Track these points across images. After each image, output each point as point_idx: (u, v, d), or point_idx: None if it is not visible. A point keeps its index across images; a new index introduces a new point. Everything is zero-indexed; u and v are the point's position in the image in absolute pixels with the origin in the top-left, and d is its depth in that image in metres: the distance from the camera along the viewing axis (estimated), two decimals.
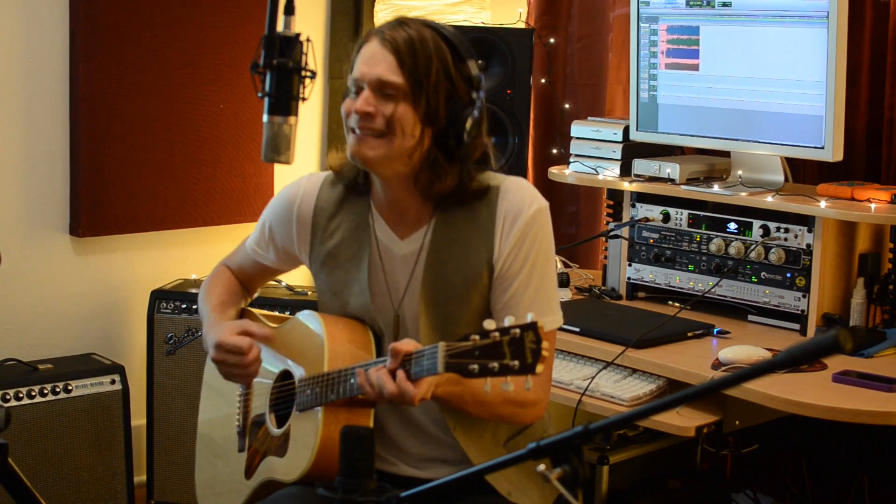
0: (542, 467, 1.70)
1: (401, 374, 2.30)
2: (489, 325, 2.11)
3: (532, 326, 2.08)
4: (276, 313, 2.94)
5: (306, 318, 2.64)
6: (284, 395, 2.62)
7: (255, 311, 2.89)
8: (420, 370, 2.27)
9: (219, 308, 2.76)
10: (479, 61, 2.54)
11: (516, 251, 2.51)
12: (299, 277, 4.48)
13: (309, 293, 4.22)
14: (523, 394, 2.46)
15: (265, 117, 2.11)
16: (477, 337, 2.12)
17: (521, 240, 2.51)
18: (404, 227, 2.58)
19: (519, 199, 2.53)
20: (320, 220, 2.64)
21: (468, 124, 2.47)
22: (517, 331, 2.09)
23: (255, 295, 2.95)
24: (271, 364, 2.70)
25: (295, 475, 2.49)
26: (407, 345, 2.32)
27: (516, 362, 2.08)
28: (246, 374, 2.58)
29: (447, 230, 2.54)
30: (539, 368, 2.08)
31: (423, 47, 2.44)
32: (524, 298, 2.52)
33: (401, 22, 2.50)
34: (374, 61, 2.44)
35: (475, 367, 2.11)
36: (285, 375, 2.64)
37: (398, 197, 2.54)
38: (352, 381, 2.41)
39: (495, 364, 2.09)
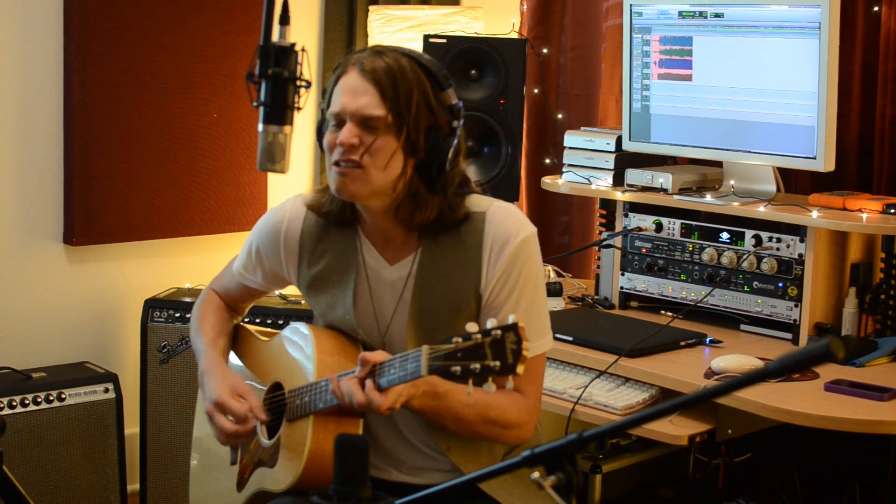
0: (536, 475, 1.71)
1: (369, 383, 2.31)
2: (471, 327, 2.12)
3: (513, 327, 2.09)
4: (269, 329, 2.94)
5: (296, 329, 2.65)
6: (275, 406, 2.62)
7: (248, 326, 2.90)
8: (393, 379, 2.28)
9: (212, 344, 2.75)
10: (455, 88, 2.52)
11: (503, 281, 2.51)
12: (293, 287, 4.50)
13: (303, 302, 4.23)
14: (505, 415, 2.48)
15: (260, 127, 2.11)
16: (459, 339, 2.13)
17: (509, 269, 2.51)
18: (392, 253, 2.57)
19: (506, 228, 2.52)
20: (307, 244, 2.64)
21: (449, 154, 2.47)
22: (498, 332, 2.10)
23: (245, 313, 2.95)
24: (261, 375, 2.71)
25: (285, 485, 2.50)
26: (376, 355, 2.34)
27: (497, 363, 2.09)
28: (237, 439, 2.59)
29: (434, 257, 2.54)
30: (520, 369, 2.08)
31: (403, 78, 2.43)
32: None
33: (378, 51, 2.48)
34: (355, 94, 2.43)
35: (458, 368, 2.12)
36: (276, 387, 2.65)
37: (383, 226, 2.55)
38: None
39: (477, 365, 2.10)
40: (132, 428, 4.24)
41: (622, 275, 3.98)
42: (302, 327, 2.62)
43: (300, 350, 2.60)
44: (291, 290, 4.34)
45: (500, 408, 2.47)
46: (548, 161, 4.69)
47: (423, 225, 2.51)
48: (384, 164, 2.42)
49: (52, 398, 3.96)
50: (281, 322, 4.07)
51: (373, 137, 2.41)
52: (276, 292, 4.26)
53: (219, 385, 2.59)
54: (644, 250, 3.92)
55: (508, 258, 2.50)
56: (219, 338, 2.79)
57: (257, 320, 4.09)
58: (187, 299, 4.22)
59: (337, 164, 2.44)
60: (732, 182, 3.80)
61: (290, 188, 4.78)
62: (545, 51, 4.74)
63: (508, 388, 2.11)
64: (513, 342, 2.09)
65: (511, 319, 2.10)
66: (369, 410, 2.33)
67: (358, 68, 2.45)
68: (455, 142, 2.48)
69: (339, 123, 2.45)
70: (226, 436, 2.55)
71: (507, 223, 2.53)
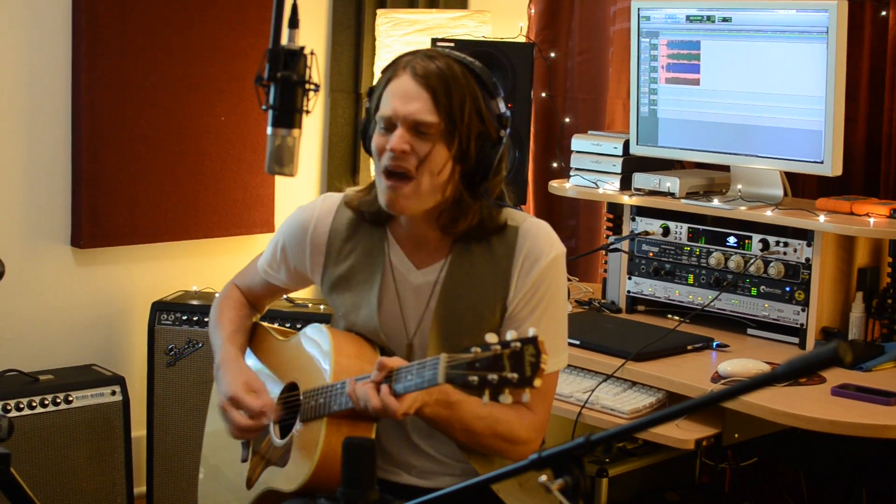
0: (543, 478, 1.71)
1: (384, 388, 2.31)
2: (491, 338, 2.12)
3: (532, 340, 2.09)
4: (286, 329, 2.96)
5: (314, 331, 2.65)
6: (289, 406, 2.63)
7: (265, 325, 2.91)
8: (409, 385, 2.28)
9: (230, 338, 2.76)
10: (504, 97, 2.53)
11: (530, 294, 2.52)
12: (301, 290, 4.50)
13: (310, 305, 4.23)
14: (513, 430, 2.48)
15: (269, 130, 2.11)
16: (478, 349, 2.13)
17: (538, 284, 2.52)
18: (421, 258, 2.58)
19: (539, 244, 2.53)
20: (335, 242, 2.64)
21: (495, 162, 2.48)
22: (517, 344, 2.10)
23: (265, 311, 2.96)
24: (277, 375, 2.72)
25: (295, 485, 2.50)
26: (394, 361, 2.34)
27: (515, 375, 2.09)
28: (249, 434, 2.60)
29: (464, 265, 2.55)
30: (537, 382, 2.08)
31: (455, 84, 2.43)
32: None
33: (430, 56, 2.46)
34: (408, 98, 2.42)
35: (475, 378, 2.12)
36: (291, 387, 2.66)
37: (420, 231, 2.55)
38: None
39: (494, 376, 2.10)
40: (139, 430, 4.24)
41: (629, 279, 3.98)
42: (321, 329, 2.63)
43: (317, 352, 2.61)
44: (298, 294, 4.36)
45: (510, 422, 2.47)
46: (555, 165, 4.69)
47: (464, 231, 2.52)
48: (436, 171, 2.43)
49: (59, 400, 3.96)
50: (288, 325, 4.07)
51: (424, 144, 2.41)
52: (284, 296, 4.26)
53: (234, 379, 2.58)
54: (651, 254, 3.92)
55: (539, 273, 2.52)
56: (236, 333, 2.79)
57: (275, 323, 4.09)
58: (194, 302, 4.23)
59: (387, 174, 2.44)
60: (739, 186, 3.80)
61: (298, 191, 4.79)
62: (553, 55, 4.74)
63: (524, 401, 2.11)
64: (532, 355, 2.09)
65: (531, 332, 2.10)
66: (384, 415, 2.33)
67: (410, 72, 2.44)
68: (500, 150, 2.48)
69: (389, 127, 2.44)
70: (238, 430, 2.56)
71: (540, 239, 2.54)
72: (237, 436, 2.60)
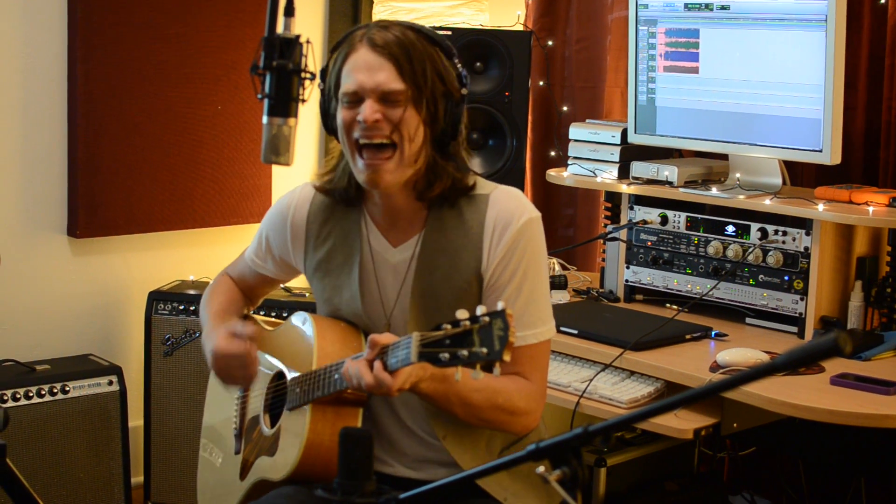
0: (541, 469, 1.71)
1: (378, 364, 2.30)
2: (461, 314, 2.11)
3: (500, 314, 2.08)
4: (275, 319, 2.95)
5: (299, 319, 2.66)
6: (278, 395, 2.64)
7: (256, 317, 2.91)
8: (396, 361, 2.27)
9: (218, 316, 2.77)
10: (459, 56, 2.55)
11: (506, 262, 2.50)
12: (297, 279, 4.49)
13: (307, 294, 4.23)
14: (512, 401, 2.47)
15: (265, 119, 2.11)
16: (449, 326, 2.12)
17: (511, 251, 2.50)
18: (397, 235, 2.57)
19: (509, 210, 2.52)
20: (313, 227, 2.65)
21: (461, 121, 2.50)
22: (486, 318, 2.09)
23: (259, 303, 2.96)
24: (267, 366, 2.72)
25: (283, 473, 2.50)
26: (385, 337, 2.32)
27: (484, 349, 2.08)
28: (246, 375, 2.59)
29: (437, 238, 2.54)
30: (507, 356, 2.07)
31: (415, 50, 2.44)
32: (514, 309, 2.50)
33: (383, 26, 2.48)
34: (371, 70, 2.42)
35: (446, 355, 2.11)
36: (279, 376, 2.66)
37: (396, 204, 2.54)
38: (335, 376, 2.41)
39: (465, 352, 2.09)
40: (136, 420, 4.23)
41: (627, 268, 3.98)
42: (304, 316, 2.64)
43: (301, 339, 2.61)
44: (295, 283, 4.35)
45: (508, 393, 2.45)
46: (553, 153, 4.69)
47: (440, 196, 2.51)
48: (412, 136, 2.43)
49: (55, 391, 3.96)
50: (285, 314, 4.06)
51: (394, 111, 2.41)
52: (280, 285, 4.25)
53: (213, 339, 2.61)
54: (649, 243, 3.91)
55: (511, 239, 2.50)
56: (225, 312, 2.79)
57: (261, 312, 4.08)
58: (191, 292, 4.22)
59: (362, 148, 2.44)
60: (738, 175, 3.79)
61: (295, 180, 4.77)
62: (550, 43, 4.73)
63: (495, 375, 2.10)
64: (500, 329, 2.07)
65: (500, 306, 2.09)
66: (379, 392, 2.31)
67: (368, 44, 2.44)
68: (464, 108, 2.51)
69: (356, 101, 2.44)
70: (242, 375, 2.57)
71: (510, 205, 2.53)
72: (236, 378, 2.60)
